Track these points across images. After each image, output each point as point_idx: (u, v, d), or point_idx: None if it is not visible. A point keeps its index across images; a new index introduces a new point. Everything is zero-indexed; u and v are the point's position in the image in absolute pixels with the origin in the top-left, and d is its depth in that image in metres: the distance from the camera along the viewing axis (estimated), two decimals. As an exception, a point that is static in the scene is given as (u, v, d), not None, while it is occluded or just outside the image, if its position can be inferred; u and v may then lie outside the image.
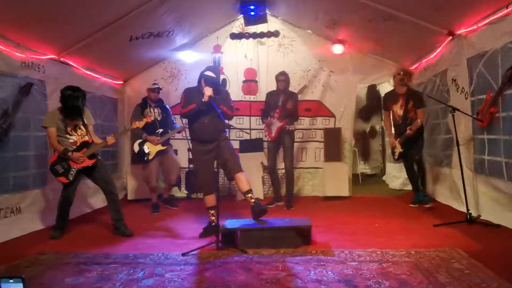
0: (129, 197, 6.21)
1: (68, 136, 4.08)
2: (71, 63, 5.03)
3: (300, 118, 6.40)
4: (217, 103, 3.90)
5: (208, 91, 3.87)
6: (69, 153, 3.98)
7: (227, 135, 4.19)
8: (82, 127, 4.16)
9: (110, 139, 4.18)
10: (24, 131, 4.31)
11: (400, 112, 4.98)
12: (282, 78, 5.49)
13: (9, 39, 3.99)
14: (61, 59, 4.82)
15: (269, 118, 5.46)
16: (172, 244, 3.73)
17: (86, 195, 5.37)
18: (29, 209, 4.32)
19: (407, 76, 4.98)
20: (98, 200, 5.58)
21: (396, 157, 5.08)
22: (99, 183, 4.22)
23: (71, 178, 4.03)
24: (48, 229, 4.25)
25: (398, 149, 4.98)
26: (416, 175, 5.13)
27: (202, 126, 3.93)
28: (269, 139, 5.52)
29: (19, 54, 4.14)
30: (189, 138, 5.98)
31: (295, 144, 6.45)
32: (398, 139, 4.98)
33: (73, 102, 3.95)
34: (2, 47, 3.92)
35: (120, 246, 3.72)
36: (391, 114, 5.14)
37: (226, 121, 4.12)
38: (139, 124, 4.43)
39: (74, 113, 4.03)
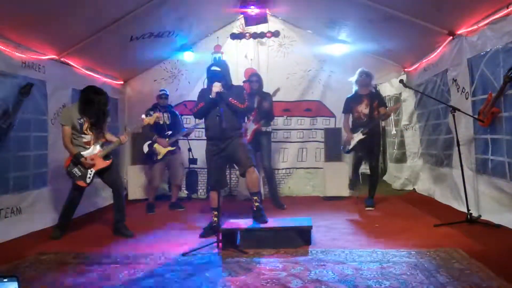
0: (130, 197, 6.21)
1: (83, 135, 4.02)
2: (71, 63, 5.03)
3: (300, 118, 6.43)
4: (226, 97, 3.85)
5: (215, 87, 3.80)
6: (82, 159, 3.95)
7: (242, 132, 4.14)
8: (97, 126, 4.09)
9: (124, 138, 4.18)
10: (24, 131, 4.30)
11: (365, 110, 5.08)
12: (255, 79, 5.49)
13: (9, 39, 3.99)
14: (62, 59, 4.82)
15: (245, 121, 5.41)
16: (172, 244, 3.72)
17: (87, 195, 5.36)
18: (29, 209, 4.31)
19: (371, 78, 5.12)
20: (99, 200, 5.60)
21: (349, 148, 5.15)
22: (109, 183, 4.21)
23: (89, 181, 4.02)
24: (48, 229, 4.25)
25: (358, 137, 5.04)
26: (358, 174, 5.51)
27: (214, 123, 3.82)
28: None
29: (20, 54, 4.14)
30: (190, 138, 6.10)
31: (297, 143, 6.50)
32: (361, 129, 5.04)
33: (101, 107, 3.93)
34: (2, 47, 3.92)
35: (121, 246, 3.71)
36: (354, 115, 5.19)
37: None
38: (150, 120, 4.39)
39: (99, 117, 3.99)
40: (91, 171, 4.01)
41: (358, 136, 5.08)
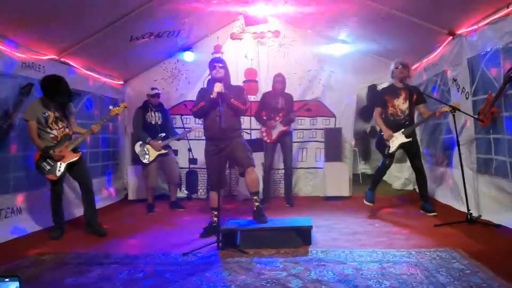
0: (130, 197, 6.22)
1: (49, 130, 3.99)
2: (71, 63, 5.02)
3: (300, 118, 6.42)
4: (227, 98, 3.84)
5: (217, 87, 3.80)
6: (50, 151, 3.92)
7: (242, 132, 4.16)
8: (63, 119, 4.10)
9: (95, 128, 4.13)
10: (24, 131, 4.29)
11: (403, 106, 4.58)
12: (279, 79, 5.60)
13: (9, 39, 3.99)
14: (62, 59, 4.81)
15: (271, 121, 5.55)
16: (173, 244, 3.72)
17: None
18: (29, 209, 4.31)
19: (408, 69, 4.65)
20: (98, 201, 5.58)
21: (392, 150, 4.58)
22: (78, 178, 4.18)
23: (59, 174, 3.97)
24: (48, 229, 4.24)
25: (401, 140, 4.54)
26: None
27: (214, 123, 3.81)
28: (269, 141, 5.60)
29: (20, 54, 4.14)
30: (189, 138, 6.10)
31: (295, 144, 6.49)
32: (403, 129, 4.55)
33: (57, 87, 3.90)
34: (2, 47, 3.92)
35: (121, 246, 3.72)
36: (389, 110, 4.65)
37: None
38: (117, 110, 4.36)
39: (58, 96, 3.94)
40: (60, 164, 3.97)
41: (399, 138, 4.55)
